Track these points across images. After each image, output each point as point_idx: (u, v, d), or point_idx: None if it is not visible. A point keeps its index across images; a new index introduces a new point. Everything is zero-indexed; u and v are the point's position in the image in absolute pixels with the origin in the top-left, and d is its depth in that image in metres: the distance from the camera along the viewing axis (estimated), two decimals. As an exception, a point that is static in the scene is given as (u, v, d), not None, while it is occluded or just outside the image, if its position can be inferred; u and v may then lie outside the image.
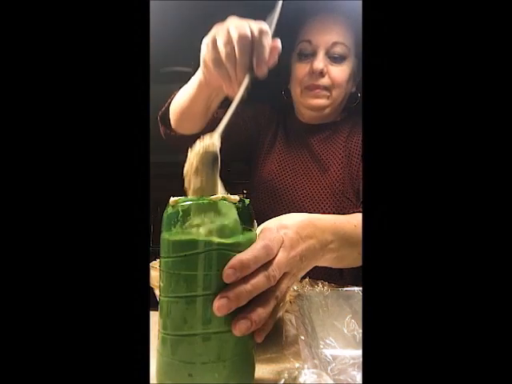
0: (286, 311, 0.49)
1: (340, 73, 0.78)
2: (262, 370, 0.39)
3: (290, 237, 0.37)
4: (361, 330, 0.42)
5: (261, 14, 0.83)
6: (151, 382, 0.31)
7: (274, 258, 0.34)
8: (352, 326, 0.44)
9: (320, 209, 0.78)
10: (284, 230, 0.38)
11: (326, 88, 0.78)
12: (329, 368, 0.36)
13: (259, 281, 0.32)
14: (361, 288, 0.49)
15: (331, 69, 0.77)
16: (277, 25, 0.61)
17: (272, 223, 0.40)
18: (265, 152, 0.86)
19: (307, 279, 0.50)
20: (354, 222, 0.50)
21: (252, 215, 0.36)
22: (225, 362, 0.31)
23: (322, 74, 0.76)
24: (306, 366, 0.30)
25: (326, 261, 0.46)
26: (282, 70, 0.84)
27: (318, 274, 0.74)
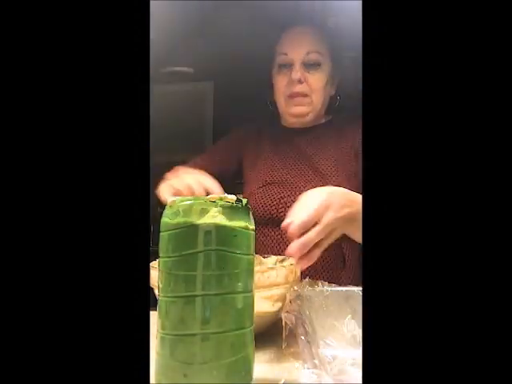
0: (286, 311, 0.49)
1: (317, 79, 0.84)
2: (262, 370, 0.39)
3: (338, 200, 0.51)
4: (361, 330, 0.42)
5: (261, 14, 0.84)
6: (151, 382, 0.31)
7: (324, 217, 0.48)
8: (352, 326, 0.43)
9: None
10: (332, 195, 0.52)
11: (305, 95, 0.84)
12: (329, 368, 0.36)
13: (316, 232, 0.47)
14: (361, 288, 0.49)
15: (308, 76, 0.83)
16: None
17: (320, 191, 0.53)
18: (253, 161, 0.90)
19: (307, 279, 0.50)
20: None
21: (250, 214, 0.36)
22: (223, 362, 0.31)
23: (300, 81, 0.82)
24: (305, 366, 0.30)
25: (358, 229, 0.55)
26: (266, 83, 0.91)
27: (318, 274, 0.74)
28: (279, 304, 0.49)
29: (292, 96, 0.84)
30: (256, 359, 0.35)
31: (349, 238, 0.58)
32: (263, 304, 0.46)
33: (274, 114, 0.93)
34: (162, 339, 0.32)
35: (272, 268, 0.50)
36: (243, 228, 0.34)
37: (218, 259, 0.31)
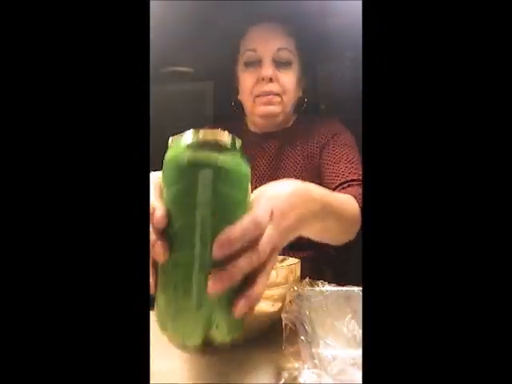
0: (286, 311, 0.49)
1: (288, 78, 0.80)
2: (262, 370, 0.39)
3: (281, 208, 0.37)
4: (361, 330, 0.42)
5: (260, 14, 0.84)
6: (151, 382, 0.31)
7: (263, 232, 0.33)
8: (352, 326, 0.43)
9: None
10: (274, 200, 0.37)
11: (277, 94, 0.78)
12: (329, 368, 0.36)
13: (250, 257, 0.32)
14: (361, 288, 0.49)
15: (279, 75, 0.79)
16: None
17: (263, 192, 0.38)
18: None
19: (307, 279, 0.50)
20: (340, 198, 0.54)
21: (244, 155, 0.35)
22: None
23: (271, 80, 0.77)
24: (305, 366, 0.30)
25: (311, 230, 0.48)
26: (229, 82, 0.86)
27: (318, 275, 0.74)
28: (279, 304, 0.49)
29: (262, 95, 0.78)
30: (256, 359, 0.35)
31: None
32: (263, 304, 0.46)
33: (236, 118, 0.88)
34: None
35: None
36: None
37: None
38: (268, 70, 0.77)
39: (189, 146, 0.33)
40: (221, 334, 0.33)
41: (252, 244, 0.32)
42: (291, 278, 0.49)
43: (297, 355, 0.35)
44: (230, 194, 0.33)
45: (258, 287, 0.33)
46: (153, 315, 0.32)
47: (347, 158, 0.77)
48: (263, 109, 0.79)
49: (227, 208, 0.33)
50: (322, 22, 0.92)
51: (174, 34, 0.89)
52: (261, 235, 0.33)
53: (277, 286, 0.47)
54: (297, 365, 0.31)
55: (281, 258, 0.60)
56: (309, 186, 0.44)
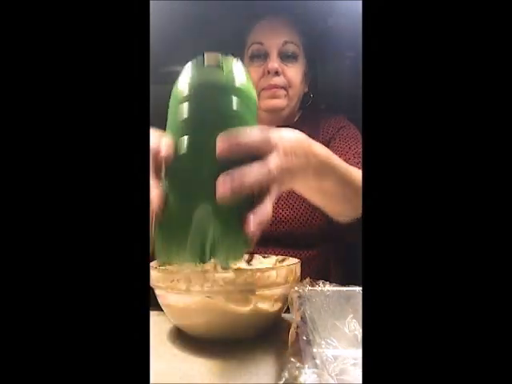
0: (287, 311, 0.49)
1: (294, 72, 0.79)
2: (262, 370, 0.39)
3: (284, 146, 0.37)
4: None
5: (260, 15, 0.84)
6: (151, 382, 0.31)
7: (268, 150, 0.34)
8: (353, 326, 0.43)
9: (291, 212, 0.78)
10: (279, 139, 0.37)
11: (282, 87, 0.78)
12: (330, 368, 0.36)
13: (259, 168, 0.32)
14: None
15: (285, 68, 0.78)
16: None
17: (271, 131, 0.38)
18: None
19: (308, 279, 0.50)
20: (346, 165, 0.51)
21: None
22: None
23: (277, 73, 0.76)
24: (306, 366, 0.30)
25: (308, 187, 0.47)
26: None
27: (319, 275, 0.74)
28: (279, 304, 0.49)
29: (268, 88, 0.77)
30: (256, 359, 0.35)
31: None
32: (263, 304, 0.46)
33: None
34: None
35: (272, 268, 0.50)
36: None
37: None
38: (274, 63, 0.76)
39: (193, 74, 0.34)
40: (220, 257, 0.33)
41: (260, 157, 0.32)
42: (291, 278, 0.49)
43: (297, 355, 0.35)
44: (237, 113, 0.33)
45: (266, 206, 0.32)
46: (153, 315, 0.32)
47: (354, 150, 0.76)
48: (269, 102, 0.78)
49: (235, 124, 0.33)
50: (322, 22, 0.91)
51: (174, 34, 0.88)
52: (267, 149, 0.33)
53: (277, 286, 0.47)
54: (297, 364, 0.31)
55: (281, 258, 0.60)
56: (313, 141, 0.44)
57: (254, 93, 0.37)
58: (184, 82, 0.35)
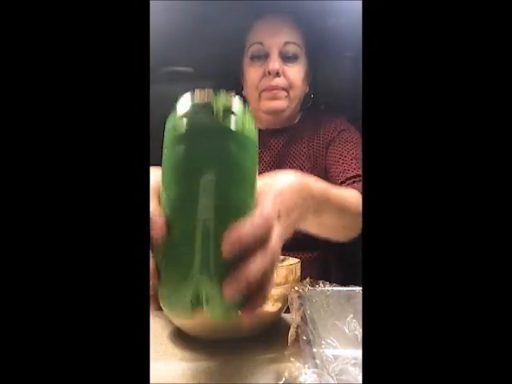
0: (287, 311, 0.49)
1: (295, 72, 0.77)
2: (262, 370, 0.39)
3: (286, 205, 0.35)
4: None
5: (260, 14, 0.84)
6: (151, 382, 0.31)
7: (271, 229, 0.31)
8: (353, 326, 0.43)
9: None
10: (280, 197, 0.35)
11: (283, 89, 0.76)
12: (330, 368, 0.36)
13: (263, 257, 0.30)
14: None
15: (286, 69, 0.77)
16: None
17: (268, 186, 0.36)
18: None
19: (308, 279, 0.50)
20: (342, 193, 0.51)
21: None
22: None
23: (278, 74, 0.75)
24: (306, 366, 0.30)
25: (308, 225, 0.47)
26: (229, 82, 0.83)
27: (319, 275, 0.74)
28: (279, 304, 0.49)
29: (268, 89, 0.76)
30: (256, 359, 0.35)
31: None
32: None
33: None
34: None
35: (272, 268, 0.50)
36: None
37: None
38: (275, 63, 0.75)
39: (185, 113, 0.31)
40: (211, 311, 0.31)
41: (262, 243, 0.30)
42: (291, 278, 0.49)
43: (297, 355, 0.35)
44: (237, 156, 0.30)
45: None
46: (153, 315, 0.32)
47: (353, 155, 0.76)
48: (269, 103, 0.77)
49: (234, 172, 0.30)
50: (322, 22, 0.91)
51: (173, 33, 0.88)
52: (269, 233, 0.31)
53: (277, 286, 0.47)
54: (298, 365, 0.31)
55: (281, 257, 0.60)
56: (309, 180, 0.43)
57: (253, 134, 0.33)
58: (177, 118, 0.32)
